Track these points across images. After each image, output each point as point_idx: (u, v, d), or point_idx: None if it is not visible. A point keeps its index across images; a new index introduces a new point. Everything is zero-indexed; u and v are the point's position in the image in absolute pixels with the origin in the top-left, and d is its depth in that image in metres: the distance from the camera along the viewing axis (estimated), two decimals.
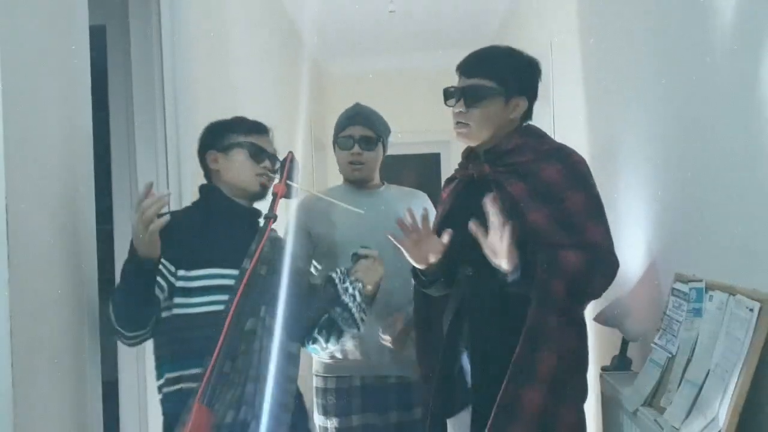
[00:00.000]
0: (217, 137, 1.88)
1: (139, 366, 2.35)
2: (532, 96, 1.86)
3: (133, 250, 1.62)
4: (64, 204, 1.67)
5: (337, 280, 1.82)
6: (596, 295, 1.77)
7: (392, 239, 1.85)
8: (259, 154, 1.86)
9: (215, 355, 1.60)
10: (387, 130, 2.44)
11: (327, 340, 1.86)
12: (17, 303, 1.40)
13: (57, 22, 1.68)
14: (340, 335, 1.87)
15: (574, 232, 1.68)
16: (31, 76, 1.54)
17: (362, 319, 1.82)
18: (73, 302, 1.68)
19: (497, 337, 1.76)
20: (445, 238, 1.79)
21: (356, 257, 1.89)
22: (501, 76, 1.79)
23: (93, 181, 1.82)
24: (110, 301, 1.70)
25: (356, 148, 2.33)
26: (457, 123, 1.82)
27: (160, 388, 1.79)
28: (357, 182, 2.39)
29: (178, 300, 1.74)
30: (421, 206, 2.34)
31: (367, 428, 2.27)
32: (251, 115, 1.98)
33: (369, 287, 1.83)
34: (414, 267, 1.89)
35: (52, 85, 1.64)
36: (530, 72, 1.85)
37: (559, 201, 1.70)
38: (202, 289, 1.74)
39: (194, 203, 1.95)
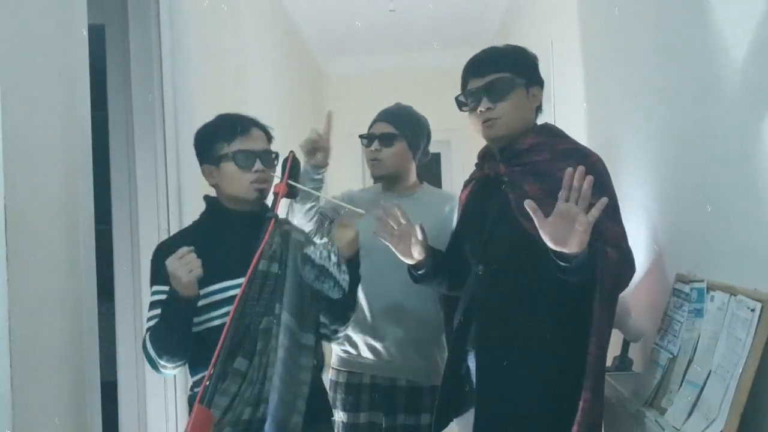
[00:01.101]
0: (206, 148, 1.83)
1: (138, 367, 2.35)
2: (543, 86, 1.87)
3: (173, 293, 1.66)
4: (63, 204, 1.67)
5: (313, 254, 1.77)
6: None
7: (379, 236, 1.89)
8: (247, 160, 1.79)
9: (215, 356, 1.60)
10: (415, 129, 2.38)
11: (332, 322, 1.85)
12: (16, 303, 1.40)
13: (56, 22, 1.68)
14: (343, 316, 1.86)
15: (595, 233, 1.64)
16: (30, 75, 1.54)
17: (345, 280, 1.77)
18: (71, 302, 1.68)
19: (504, 337, 1.75)
20: (419, 233, 1.85)
21: (329, 224, 1.88)
22: (516, 67, 1.80)
23: (92, 180, 1.82)
24: (148, 341, 1.71)
25: (375, 144, 2.31)
26: (485, 121, 1.80)
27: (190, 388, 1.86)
28: (388, 183, 2.37)
29: (195, 318, 1.73)
30: (449, 210, 2.34)
31: (373, 427, 2.27)
32: (251, 115, 1.93)
33: (344, 249, 1.79)
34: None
35: (50, 85, 1.63)
36: (535, 62, 1.87)
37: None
38: (216, 303, 1.73)
39: (201, 215, 1.91)
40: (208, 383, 1.60)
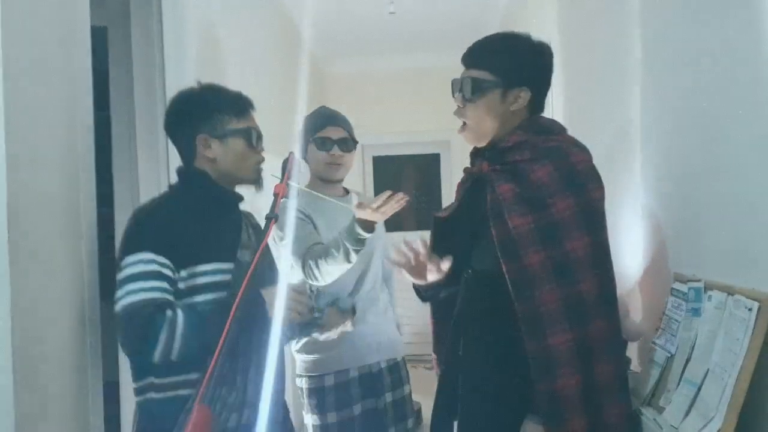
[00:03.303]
0: (209, 119, 1.74)
1: None
2: (539, 85, 1.76)
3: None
4: (66, 204, 1.67)
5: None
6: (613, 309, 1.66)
7: (396, 266, 1.83)
8: (257, 139, 1.78)
9: (216, 354, 1.58)
10: (354, 134, 2.53)
11: (317, 266, 1.97)
12: (18, 303, 1.40)
13: (59, 24, 1.68)
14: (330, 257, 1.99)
15: (556, 241, 1.57)
16: (33, 77, 1.54)
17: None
18: (74, 303, 1.68)
19: (485, 343, 1.71)
20: (446, 264, 1.73)
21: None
22: (497, 66, 1.69)
23: (94, 181, 1.82)
24: (182, 325, 1.53)
25: (336, 150, 2.41)
26: (462, 124, 1.76)
27: (142, 391, 1.64)
28: (325, 186, 2.43)
29: (182, 300, 1.63)
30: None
31: (367, 413, 2.38)
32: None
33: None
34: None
35: (54, 86, 1.64)
36: (534, 60, 1.75)
37: (545, 207, 1.59)
38: (206, 286, 1.64)
39: (174, 189, 1.82)
40: (208, 381, 1.59)
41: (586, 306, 1.57)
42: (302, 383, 2.40)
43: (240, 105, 1.79)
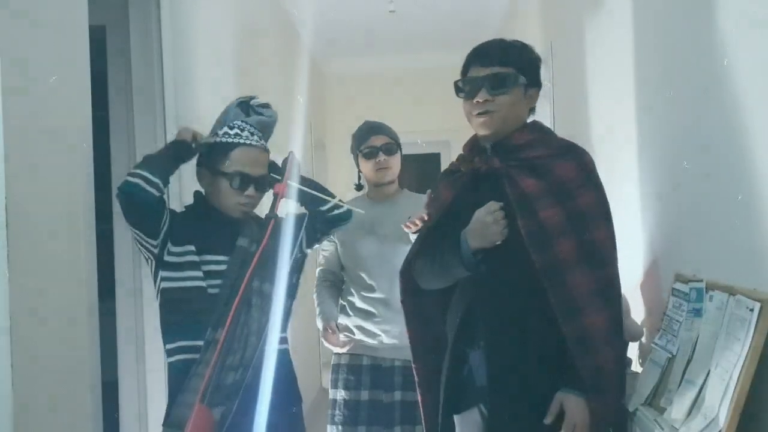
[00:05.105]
0: (214, 156, 1.88)
1: (139, 366, 2.35)
2: (540, 86, 1.87)
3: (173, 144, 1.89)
4: (64, 204, 1.67)
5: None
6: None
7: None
8: (245, 183, 1.86)
9: (216, 354, 1.62)
10: (399, 140, 2.72)
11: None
12: (17, 303, 1.40)
13: (57, 23, 1.68)
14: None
15: (584, 230, 1.69)
16: (30, 76, 1.54)
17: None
18: (72, 302, 1.68)
19: (514, 336, 1.74)
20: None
21: None
22: (521, 65, 1.79)
23: (93, 181, 1.83)
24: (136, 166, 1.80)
25: (381, 156, 2.61)
26: (482, 112, 1.77)
27: (171, 353, 1.86)
28: (373, 191, 2.69)
29: (166, 273, 1.83)
30: None
31: (374, 403, 2.56)
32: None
33: None
34: (467, 253, 1.79)
35: (51, 86, 1.64)
36: (538, 64, 1.86)
37: (572, 199, 1.71)
38: (190, 264, 1.82)
39: (187, 208, 2.01)
40: (208, 382, 1.61)
41: (613, 288, 1.72)
42: (332, 359, 2.70)
43: (240, 153, 1.88)
